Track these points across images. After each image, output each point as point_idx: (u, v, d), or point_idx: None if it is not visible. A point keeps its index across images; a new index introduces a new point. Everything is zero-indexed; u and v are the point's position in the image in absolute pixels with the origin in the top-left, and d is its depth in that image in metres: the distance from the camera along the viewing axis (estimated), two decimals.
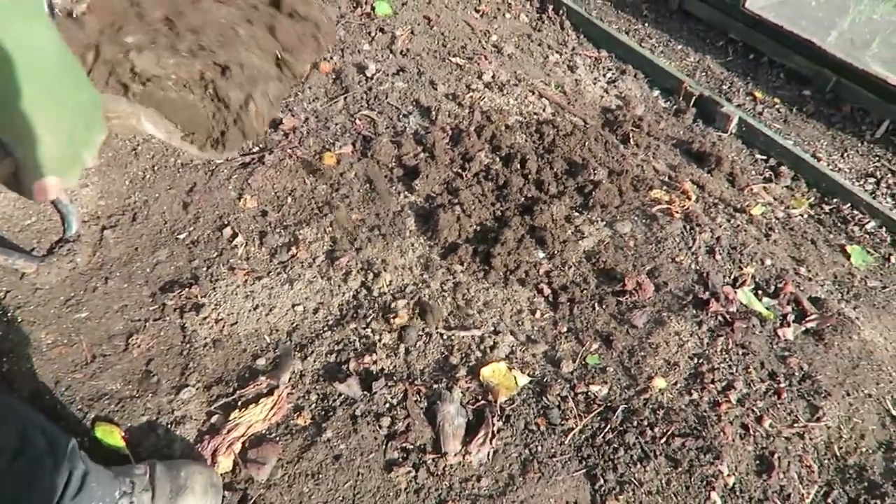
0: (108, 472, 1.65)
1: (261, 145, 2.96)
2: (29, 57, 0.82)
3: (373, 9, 3.85)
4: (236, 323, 2.30)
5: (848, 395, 2.27)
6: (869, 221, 2.99)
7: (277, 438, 2.01)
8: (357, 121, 3.13)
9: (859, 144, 3.42)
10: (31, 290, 2.34)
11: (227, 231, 2.59)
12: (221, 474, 1.92)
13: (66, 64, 0.87)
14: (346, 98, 3.24)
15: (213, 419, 2.05)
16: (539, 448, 2.05)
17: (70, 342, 2.21)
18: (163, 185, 2.76)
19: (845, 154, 3.38)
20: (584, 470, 2.02)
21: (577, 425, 2.11)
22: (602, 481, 1.98)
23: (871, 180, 3.24)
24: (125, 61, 1.33)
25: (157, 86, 1.45)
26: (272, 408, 2.07)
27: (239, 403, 2.08)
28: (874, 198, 3.10)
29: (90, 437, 1.97)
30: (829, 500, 2.02)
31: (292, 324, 2.33)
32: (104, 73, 1.29)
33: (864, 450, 2.14)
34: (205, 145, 1.58)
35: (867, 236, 2.95)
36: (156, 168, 2.82)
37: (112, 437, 1.96)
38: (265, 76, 1.65)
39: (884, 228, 2.97)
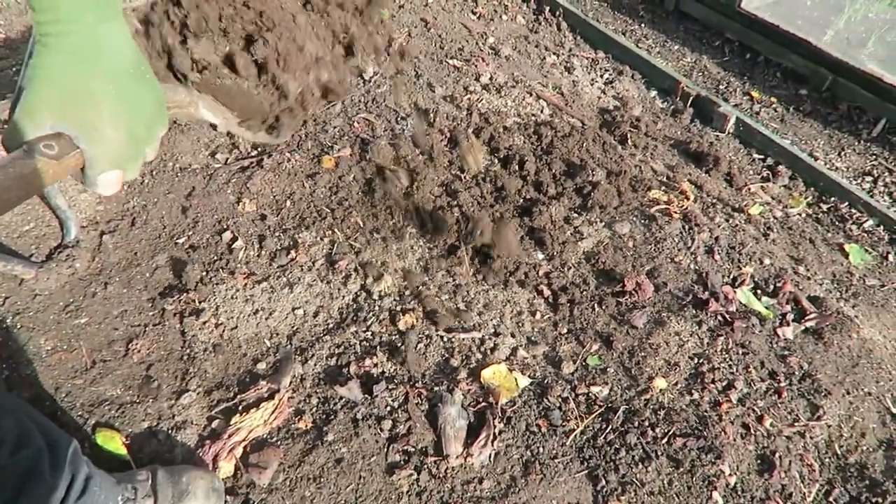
0: (110, 477, 1.65)
1: (259, 149, 2.96)
2: (109, 57, 0.86)
3: None
4: (236, 327, 2.30)
5: (848, 393, 2.27)
6: (867, 220, 3.00)
7: (279, 443, 2.01)
8: (355, 124, 3.13)
9: (856, 143, 3.43)
10: (30, 296, 2.34)
11: (227, 235, 2.59)
12: (223, 479, 1.91)
13: (138, 63, 0.91)
14: (343, 101, 3.24)
15: (214, 424, 2.05)
16: (540, 449, 2.05)
17: (70, 348, 2.21)
18: (161, 190, 2.76)
19: (842, 153, 3.39)
20: (586, 471, 2.02)
21: (578, 426, 2.11)
22: (604, 482, 1.98)
23: (869, 179, 3.25)
24: (182, 50, 1.33)
25: (213, 74, 1.46)
26: (273, 412, 2.06)
27: (240, 408, 2.08)
28: (871, 196, 3.11)
29: (91, 443, 1.97)
30: (831, 499, 2.02)
31: (292, 327, 2.32)
32: (163, 61, 1.30)
33: (864, 448, 2.14)
34: (260, 130, 1.60)
35: (865, 235, 2.95)
36: (154, 173, 2.82)
37: (113, 442, 1.96)
38: (322, 62, 1.65)
39: (882, 227, 2.98)
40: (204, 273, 2.45)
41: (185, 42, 1.33)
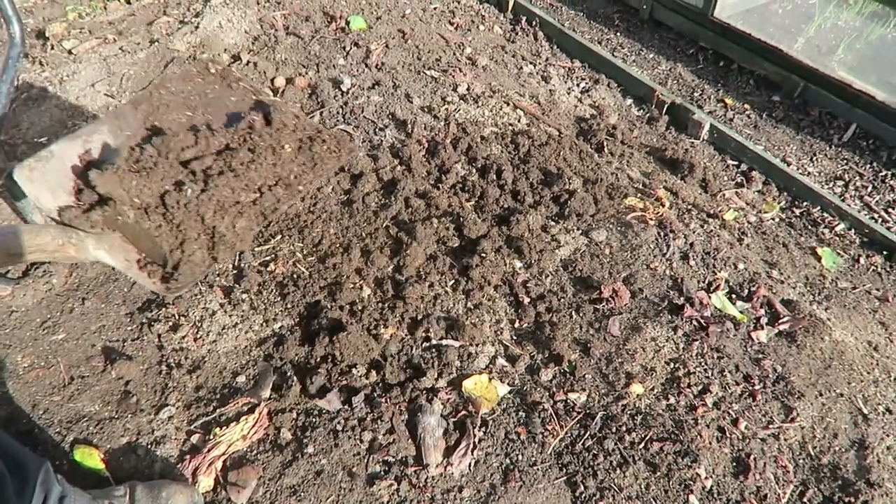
0: (86, 494, 1.65)
1: None
2: None
3: (347, 24, 3.88)
4: (216, 341, 2.30)
5: (821, 395, 2.32)
6: (838, 224, 3.06)
7: (258, 456, 2.01)
8: None
9: (828, 148, 3.50)
10: (6, 313, 2.33)
11: None
12: (203, 493, 1.91)
13: None
14: (321, 113, 3.26)
15: (194, 438, 2.05)
16: (520, 457, 2.07)
17: (47, 364, 2.20)
18: None
19: (814, 158, 3.45)
20: (565, 477, 2.04)
21: (557, 433, 2.13)
22: (582, 488, 2.00)
23: (840, 183, 3.31)
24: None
25: (115, 210, 1.47)
26: (253, 425, 2.07)
27: (220, 421, 2.09)
28: (843, 200, 3.17)
29: (69, 459, 1.96)
30: (805, 499, 2.05)
31: (272, 340, 2.33)
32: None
33: (837, 448, 2.18)
34: (159, 278, 1.60)
35: (837, 238, 3.01)
36: None
37: (91, 459, 1.95)
38: (235, 210, 1.70)
39: (853, 230, 3.03)
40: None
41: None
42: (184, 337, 2.30)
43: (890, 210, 3.15)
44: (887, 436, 2.23)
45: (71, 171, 1.67)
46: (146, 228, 1.51)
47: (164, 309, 2.36)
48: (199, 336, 2.31)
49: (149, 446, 2.02)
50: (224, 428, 2.05)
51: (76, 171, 1.67)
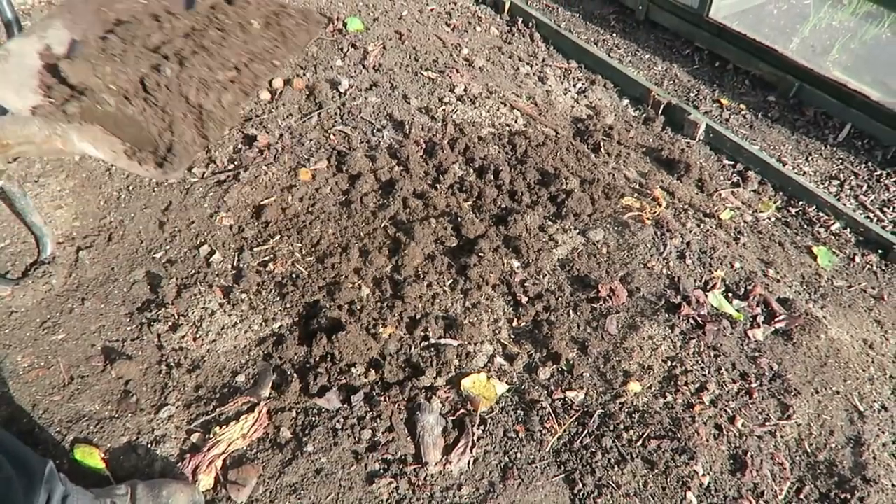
0: (88, 493, 1.66)
1: (235, 162, 2.98)
2: None
3: (345, 25, 3.89)
4: (215, 340, 2.31)
5: (817, 392, 2.33)
6: (834, 223, 3.08)
7: (258, 455, 2.02)
8: (331, 136, 3.16)
9: (823, 148, 3.52)
10: (6, 314, 2.33)
11: (204, 249, 2.60)
12: (203, 492, 1.92)
13: None
14: (319, 114, 3.27)
15: (194, 437, 2.05)
16: (518, 455, 2.09)
17: (47, 364, 2.21)
18: (138, 205, 2.76)
19: (810, 157, 3.47)
20: (563, 475, 2.05)
21: (555, 431, 2.15)
22: (581, 485, 2.02)
23: (835, 182, 3.33)
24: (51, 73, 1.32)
25: (93, 99, 1.43)
26: (253, 424, 2.08)
27: (220, 420, 2.09)
28: (838, 199, 3.19)
29: (69, 459, 1.97)
30: (802, 496, 2.07)
31: (271, 339, 2.34)
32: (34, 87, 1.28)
33: (833, 445, 2.20)
34: (151, 163, 1.59)
35: (833, 237, 3.03)
36: (131, 188, 2.82)
37: (92, 458, 1.96)
38: (219, 85, 1.70)
39: (848, 229, 3.06)
40: (182, 287, 2.45)
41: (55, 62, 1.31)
42: (183, 337, 2.31)
43: (885, 209, 3.17)
44: (883, 433, 2.24)
45: (32, 68, 1.65)
46: (130, 114, 1.50)
47: (163, 309, 2.37)
48: (198, 336, 2.31)
49: (149, 445, 2.02)
50: (224, 427, 2.06)
51: (40, 67, 1.65)
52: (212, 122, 1.67)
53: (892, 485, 2.10)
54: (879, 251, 2.95)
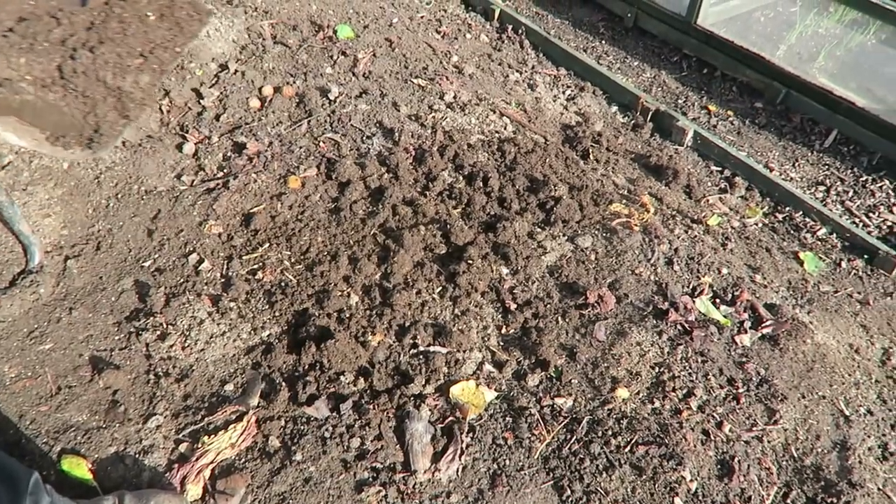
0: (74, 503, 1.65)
1: (224, 170, 2.98)
2: None
3: (335, 32, 3.90)
4: (204, 349, 2.31)
5: (803, 397, 2.35)
6: (820, 228, 3.10)
7: (247, 464, 2.02)
8: (321, 144, 3.17)
9: (809, 154, 3.55)
10: None
11: (193, 257, 2.60)
12: (191, 502, 1.92)
13: None
14: (309, 121, 3.28)
15: (182, 447, 2.05)
16: (507, 462, 2.09)
17: (34, 375, 2.20)
18: (127, 213, 2.76)
19: (796, 164, 3.50)
20: (552, 481, 2.06)
21: (543, 438, 2.15)
22: (569, 492, 2.02)
23: (822, 188, 3.36)
24: None
25: (11, 90, 1.51)
26: (241, 433, 2.07)
27: (208, 430, 2.09)
28: (825, 205, 3.22)
29: (56, 470, 1.96)
30: (789, 501, 2.08)
31: (260, 348, 2.34)
32: None
33: (819, 450, 2.21)
34: (78, 145, 1.70)
35: (819, 243, 3.05)
36: (119, 196, 2.82)
37: (79, 469, 1.95)
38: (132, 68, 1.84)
39: (834, 235, 3.08)
40: (170, 295, 2.45)
41: None
42: (172, 346, 2.30)
43: (870, 214, 3.20)
44: (868, 437, 2.26)
45: None
46: (51, 101, 1.60)
47: (151, 318, 2.36)
48: (187, 345, 2.31)
49: (137, 456, 2.02)
50: (212, 436, 2.06)
51: None
52: (132, 102, 1.83)
53: (878, 488, 2.12)
54: (865, 256, 2.98)
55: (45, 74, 1.73)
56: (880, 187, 3.33)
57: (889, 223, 3.15)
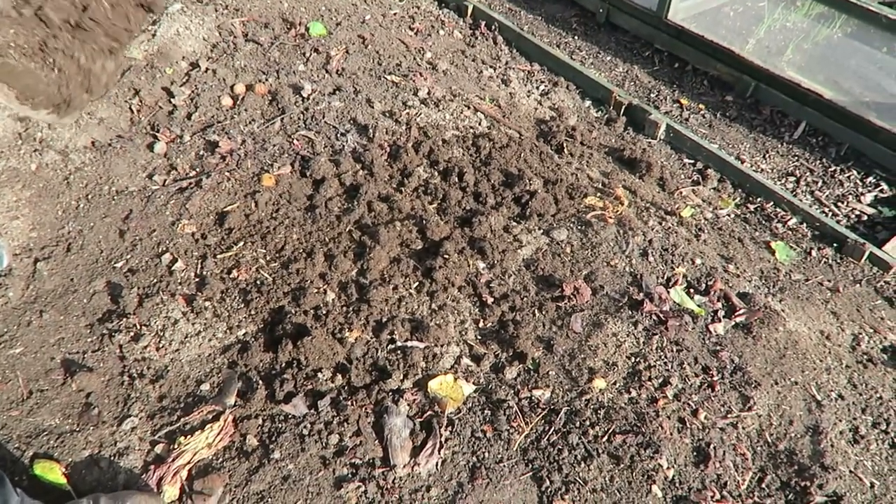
0: None
1: (197, 169, 2.94)
2: None
3: (307, 30, 3.88)
4: (179, 349, 2.29)
5: (776, 383, 2.39)
6: (791, 218, 3.15)
7: (224, 464, 2.00)
8: (295, 141, 3.15)
9: (779, 145, 3.61)
10: None
11: (167, 257, 2.57)
12: (168, 503, 1.90)
13: None
14: (282, 119, 3.25)
15: (158, 448, 2.03)
16: (486, 455, 2.10)
17: (4, 379, 2.16)
18: (97, 214, 2.72)
19: (767, 155, 3.55)
20: (531, 473, 2.07)
21: (522, 430, 2.16)
22: (548, 482, 2.04)
23: (792, 179, 3.41)
24: None
25: None
26: (218, 433, 2.06)
27: (185, 430, 2.07)
28: (795, 195, 3.27)
29: (29, 475, 1.93)
30: (764, 485, 2.11)
31: (236, 347, 2.32)
32: None
33: (792, 435, 2.25)
34: (45, 108, 1.87)
35: (790, 232, 3.10)
36: (90, 197, 2.78)
37: (52, 473, 1.92)
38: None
39: (805, 224, 3.13)
40: (144, 296, 2.42)
41: None
42: (146, 347, 2.28)
43: (839, 204, 3.26)
44: (840, 421, 2.30)
45: None
46: (31, 67, 1.79)
47: (125, 319, 2.33)
48: (161, 345, 2.29)
49: (112, 458, 1.99)
50: (189, 437, 2.04)
51: None
52: (97, 84, 1.99)
53: (850, 471, 2.16)
54: (834, 245, 3.03)
55: (26, 44, 1.89)
56: (848, 177, 3.39)
57: (857, 212, 3.22)
